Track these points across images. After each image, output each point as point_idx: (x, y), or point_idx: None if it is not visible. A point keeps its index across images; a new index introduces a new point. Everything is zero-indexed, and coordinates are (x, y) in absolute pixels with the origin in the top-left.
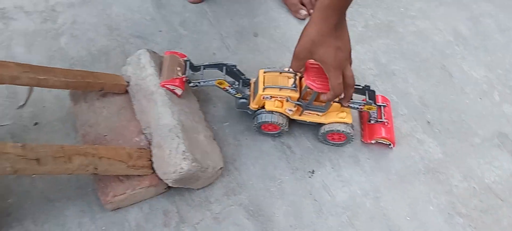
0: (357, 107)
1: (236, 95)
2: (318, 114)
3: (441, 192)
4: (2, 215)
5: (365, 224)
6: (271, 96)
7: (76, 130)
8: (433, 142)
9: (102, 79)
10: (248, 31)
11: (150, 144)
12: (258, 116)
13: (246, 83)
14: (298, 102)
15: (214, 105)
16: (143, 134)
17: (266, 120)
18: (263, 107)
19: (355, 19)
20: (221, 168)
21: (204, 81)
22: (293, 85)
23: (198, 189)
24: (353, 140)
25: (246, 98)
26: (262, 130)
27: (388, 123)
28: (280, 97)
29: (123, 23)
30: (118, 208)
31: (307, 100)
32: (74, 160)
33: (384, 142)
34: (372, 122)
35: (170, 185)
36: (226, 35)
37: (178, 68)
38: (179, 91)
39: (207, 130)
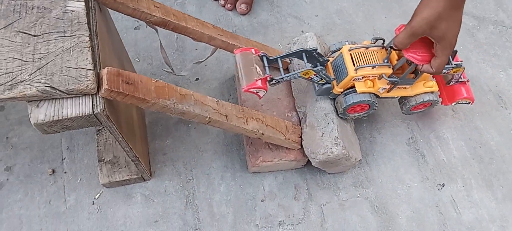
0: (445, 72)
1: (320, 82)
2: (405, 88)
3: None
4: (159, 153)
5: None
6: (363, 77)
7: (234, 91)
8: None
9: (272, 54)
10: None
11: (300, 121)
12: (346, 98)
13: (324, 65)
14: (393, 79)
15: None
16: (296, 111)
17: (357, 100)
18: (349, 89)
19: None
20: (359, 160)
21: (287, 76)
22: (386, 61)
23: (329, 173)
24: (437, 104)
25: (330, 83)
26: (348, 113)
27: (468, 81)
28: (372, 76)
29: (285, 1)
30: (257, 172)
31: (400, 75)
32: (250, 123)
33: (463, 102)
34: (452, 83)
35: (313, 164)
36: (378, 32)
37: (256, 67)
38: (262, 93)
39: (351, 121)
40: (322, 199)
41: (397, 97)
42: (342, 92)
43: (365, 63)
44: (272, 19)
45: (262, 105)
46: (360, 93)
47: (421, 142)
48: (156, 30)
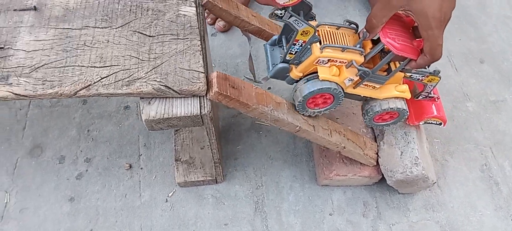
0: (419, 78)
1: (288, 56)
2: (375, 87)
3: None
4: (231, 157)
5: None
6: (328, 60)
7: None
8: None
9: None
10: (475, 55)
11: (376, 138)
12: (306, 85)
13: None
14: (364, 69)
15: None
16: (371, 127)
17: (318, 87)
18: (309, 74)
19: None
20: (434, 182)
21: (288, 15)
22: (359, 46)
23: (400, 193)
24: (405, 117)
25: (287, 62)
26: (307, 107)
27: (438, 99)
28: (339, 62)
29: (357, 12)
30: (327, 185)
31: (372, 67)
32: (333, 136)
33: (433, 122)
34: (421, 97)
35: (388, 182)
36: (452, 54)
37: None
38: None
39: (427, 142)
40: (392, 218)
41: (363, 97)
42: (301, 77)
43: (334, 43)
44: None
45: (337, 119)
46: (322, 80)
47: (495, 170)
48: (249, 38)
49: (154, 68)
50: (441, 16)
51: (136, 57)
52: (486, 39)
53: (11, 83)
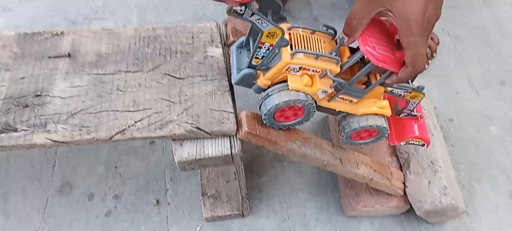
0: (401, 94)
1: (254, 60)
2: (352, 101)
3: None
4: (255, 189)
5: None
6: (300, 68)
7: (327, 131)
8: None
9: None
10: (496, 77)
11: (401, 167)
12: (274, 96)
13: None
14: (339, 80)
15: (452, 145)
16: (396, 156)
17: (289, 99)
18: (278, 83)
19: None
20: (464, 211)
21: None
22: (335, 53)
23: (428, 223)
24: (385, 136)
25: (254, 68)
26: (275, 120)
27: (421, 117)
28: (312, 71)
29: None
30: (354, 217)
31: (349, 78)
32: (361, 168)
33: (415, 143)
34: (403, 115)
35: (417, 213)
36: (472, 77)
37: None
38: None
39: (453, 169)
40: None
41: (338, 113)
42: (269, 86)
43: (307, 49)
44: None
45: (361, 147)
46: (292, 90)
47: None
48: None
49: (185, 110)
50: (423, 22)
51: (168, 100)
52: (506, 60)
53: (49, 130)
